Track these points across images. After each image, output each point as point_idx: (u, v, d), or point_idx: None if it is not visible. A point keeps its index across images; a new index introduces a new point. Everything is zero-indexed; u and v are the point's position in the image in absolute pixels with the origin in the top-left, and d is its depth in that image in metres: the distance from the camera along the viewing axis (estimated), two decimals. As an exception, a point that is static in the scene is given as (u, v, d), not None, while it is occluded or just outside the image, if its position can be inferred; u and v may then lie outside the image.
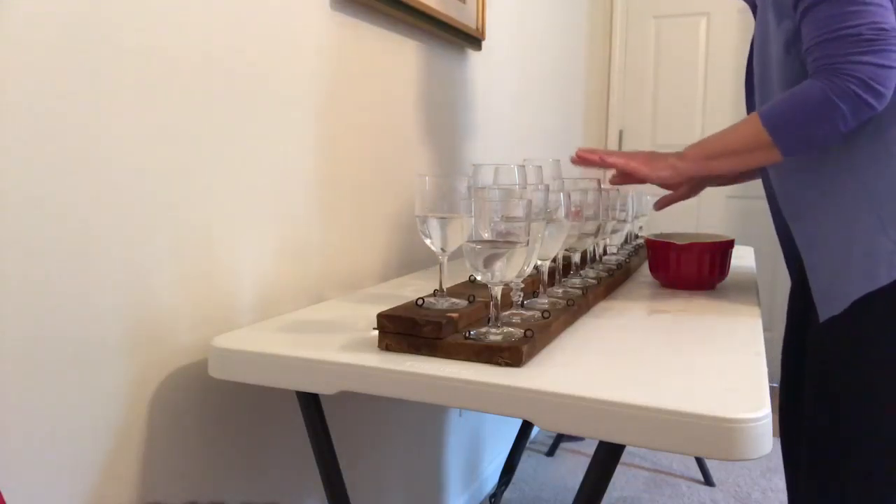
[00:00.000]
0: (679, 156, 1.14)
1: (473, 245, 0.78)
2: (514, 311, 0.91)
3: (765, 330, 1.01)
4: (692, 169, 1.13)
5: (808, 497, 1.12)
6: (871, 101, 0.94)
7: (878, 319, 1.02)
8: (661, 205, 1.41)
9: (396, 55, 1.43)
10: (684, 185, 1.43)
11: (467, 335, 0.80)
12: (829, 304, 1.07)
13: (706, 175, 1.14)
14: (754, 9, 1.18)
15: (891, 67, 0.93)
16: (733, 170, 1.10)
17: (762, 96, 1.15)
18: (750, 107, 1.22)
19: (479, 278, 0.80)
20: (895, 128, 1.00)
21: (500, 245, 0.77)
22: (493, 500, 1.76)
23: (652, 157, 1.16)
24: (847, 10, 0.93)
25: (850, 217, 1.04)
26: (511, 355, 0.77)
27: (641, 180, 1.16)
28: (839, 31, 0.94)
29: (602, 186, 1.22)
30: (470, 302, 0.90)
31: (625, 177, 1.18)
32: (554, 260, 1.08)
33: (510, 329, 0.82)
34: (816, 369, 1.11)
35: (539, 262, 0.98)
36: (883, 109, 0.98)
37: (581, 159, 1.18)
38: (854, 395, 1.05)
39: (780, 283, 2.92)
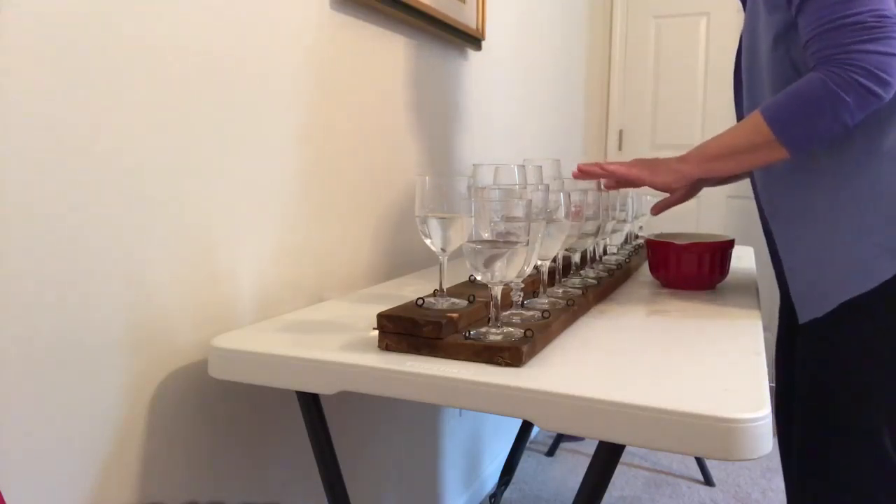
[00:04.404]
0: (680, 159, 1.11)
1: (473, 245, 0.78)
2: (514, 311, 0.91)
3: (765, 330, 1.01)
4: (695, 171, 1.09)
5: (801, 496, 1.12)
6: (878, 90, 0.89)
7: (862, 323, 1.01)
8: (658, 209, 1.39)
9: (396, 55, 1.43)
10: (681, 189, 1.42)
11: (467, 335, 0.80)
12: (810, 306, 1.05)
13: (709, 177, 1.11)
14: (745, 3, 1.15)
15: (895, 55, 0.88)
16: (737, 170, 1.07)
17: (750, 93, 1.12)
18: (738, 105, 1.20)
19: (479, 278, 0.80)
20: (880, 130, 0.97)
21: (500, 245, 0.77)
22: (493, 500, 1.76)
23: (653, 162, 1.14)
24: None
25: (831, 220, 1.01)
26: (511, 355, 0.77)
27: (640, 186, 1.14)
28: (841, 20, 0.90)
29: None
30: (470, 302, 0.90)
31: (620, 183, 1.16)
32: (554, 260, 1.08)
33: (510, 329, 0.82)
34: (805, 369, 1.11)
35: (539, 262, 0.98)
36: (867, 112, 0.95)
37: (583, 172, 1.15)
38: (838, 394, 1.04)
39: (780, 283, 2.92)
